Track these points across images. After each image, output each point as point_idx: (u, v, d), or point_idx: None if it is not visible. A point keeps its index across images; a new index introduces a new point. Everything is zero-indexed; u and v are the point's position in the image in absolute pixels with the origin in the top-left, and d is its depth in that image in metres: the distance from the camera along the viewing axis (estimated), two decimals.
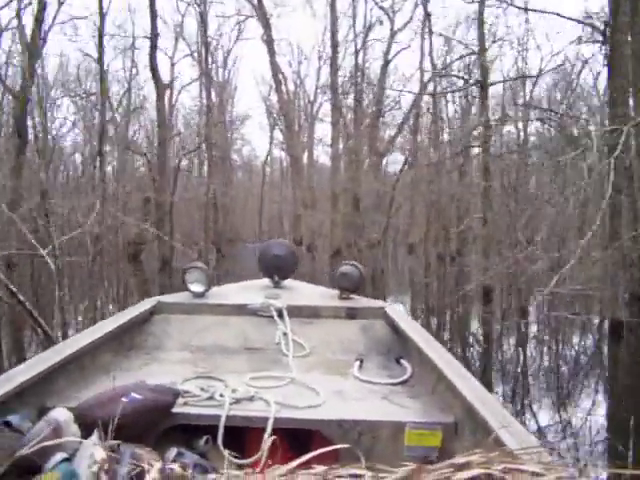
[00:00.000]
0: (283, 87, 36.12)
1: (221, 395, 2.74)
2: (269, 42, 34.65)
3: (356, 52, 34.66)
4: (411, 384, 3.14)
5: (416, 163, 30.75)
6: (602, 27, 18.30)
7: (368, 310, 4.08)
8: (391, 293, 19.73)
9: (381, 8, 36.69)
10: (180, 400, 2.67)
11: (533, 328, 12.91)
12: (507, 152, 27.28)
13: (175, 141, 38.35)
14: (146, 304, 4.09)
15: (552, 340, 11.87)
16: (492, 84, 25.86)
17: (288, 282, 4.72)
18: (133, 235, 27.74)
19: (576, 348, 11.04)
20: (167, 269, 25.57)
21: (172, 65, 40.55)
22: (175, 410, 2.61)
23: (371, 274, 21.60)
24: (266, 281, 4.66)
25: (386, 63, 36.54)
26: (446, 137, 35.41)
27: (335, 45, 31.62)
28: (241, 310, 4.04)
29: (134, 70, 36.48)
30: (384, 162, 38.93)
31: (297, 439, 2.59)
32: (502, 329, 12.69)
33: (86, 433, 2.23)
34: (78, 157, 44.01)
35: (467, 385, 2.62)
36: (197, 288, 4.23)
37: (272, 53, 34.44)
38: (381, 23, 35.10)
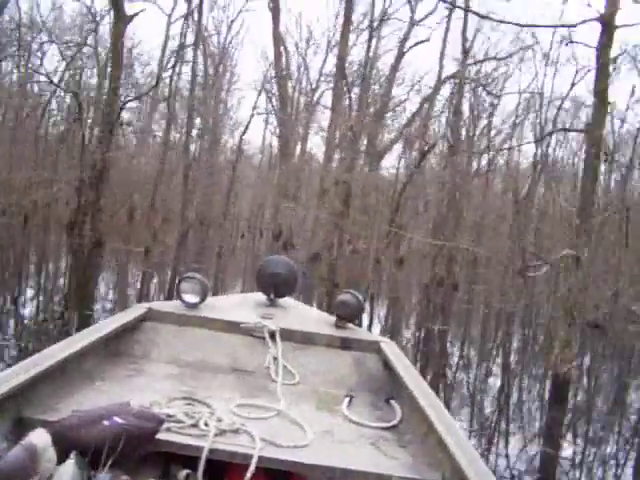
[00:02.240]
0: (283, 62, 30.77)
1: (206, 424, 2.56)
2: (275, 10, 29.38)
3: (370, 35, 29.45)
4: (400, 430, 2.98)
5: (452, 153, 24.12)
6: None
7: (363, 343, 3.89)
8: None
9: None
10: (163, 425, 2.47)
11: None
12: None
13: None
14: (136, 310, 3.86)
15: None
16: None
17: (284, 301, 4.46)
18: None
19: None
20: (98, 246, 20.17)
21: (169, 25, 35.49)
22: (158, 436, 2.41)
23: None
24: (262, 297, 4.40)
25: (400, 55, 31.64)
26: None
27: (348, 19, 26.03)
28: (233, 328, 3.80)
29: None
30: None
31: (278, 479, 2.50)
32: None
33: (64, 454, 2.14)
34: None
35: (457, 441, 2.47)
36: (190, 299, 3.95)
37: (277, 23, 29.28)
38: None
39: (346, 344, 3.85)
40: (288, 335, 3.79)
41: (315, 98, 38.87)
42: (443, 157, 25.59)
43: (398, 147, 34.13)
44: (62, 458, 2.12)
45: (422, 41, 32.57)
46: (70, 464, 2.10)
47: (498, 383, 10.48)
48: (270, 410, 2.94)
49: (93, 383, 3.03)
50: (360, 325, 8.70)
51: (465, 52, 26.29)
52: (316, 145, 40.04)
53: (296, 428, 2.78)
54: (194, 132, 39.72)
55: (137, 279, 17.33)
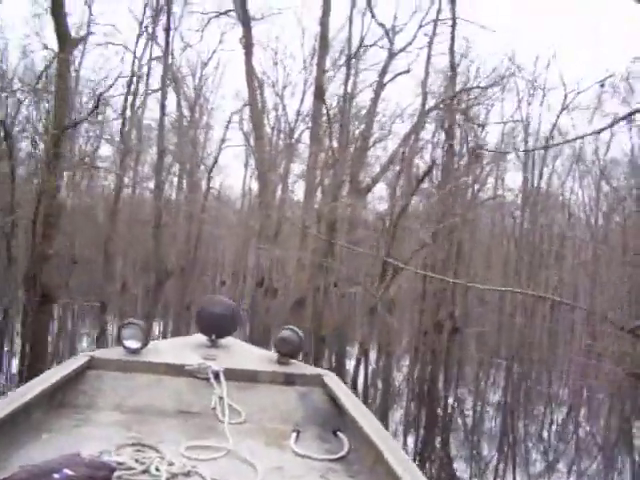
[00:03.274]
0: (258, 97, 28.51)
1: (157, 469, 2.51)
2: (247, 45, 27.15)
3: (348, 66, 27.26)
4: (349, 461, 2.98)
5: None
6: None
7: (306, 377, 3.85)
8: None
9: (380, 25, 29.79)
10: (115, 473, 2.41)
11: None
12: None
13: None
14: (79, 360, 3.71)
15: None
16: None
17: (225, 341, 4.35)
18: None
19: None
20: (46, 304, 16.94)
21: (139, 66, 33.26)
22: None
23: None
24: (203, 338, 4.27)
25: (380, 86, 29.52)
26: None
27: (324, 42, 23.82)
28: (177, 370, 3.71)
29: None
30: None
31: None
32: None
33: None
34: None
35: (406, 470, 2.45)
36: (132, 344, 3.80)
37: (249, 56, 26.90)
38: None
39: (290, 379, 3.80)
40: (232, 374, 3.66)
41: (294, 139, 36.89)
42: (435, 187, 22.83)
43: (381, 186, 31.89)
44: None
45: (402, 72, 30.68)
46: None
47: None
48: (219, 450, 2.86)
49: (40, 436, 2.88)
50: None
51: (453, 69, 23.92)
52: (296, 183, 37.10)
53: (246, 467, 2.74)
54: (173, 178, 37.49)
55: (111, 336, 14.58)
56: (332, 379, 3.79)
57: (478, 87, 29.76)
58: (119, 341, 3.80)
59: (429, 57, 27.61)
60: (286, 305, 23.17)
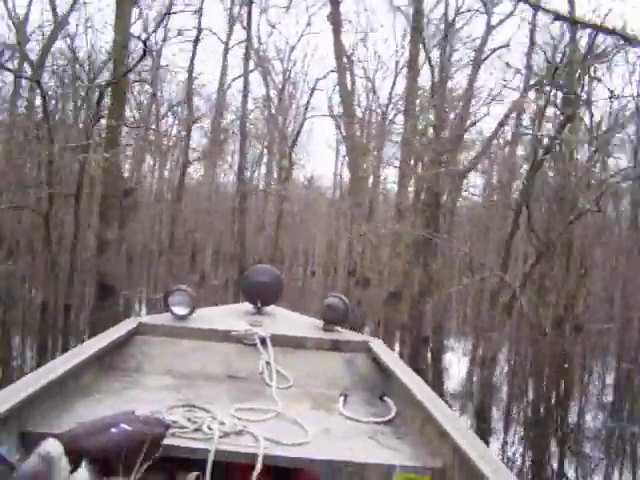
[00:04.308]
0: (348, 76, 26.44)
1: (209, 427, 2.53)
2: (335, 21, 25.09)
3: (445, 40, 24.59)
4: (397, 423, 2.96)
5: None
6: None
7: (352, 344, 3.85)
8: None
9: None
10: (169, 430, 2.40)
11: None
12: None
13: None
14: (127, 325, 3.76)
15: None
16: None
17: (270, 309, 4.38)
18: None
19: None
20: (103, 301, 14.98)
21: (226, 51, 31.97)
22: (163, 441, 2.31)
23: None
24: (248, 306, 4.32)
25: (477, 63, 26.66)
26: None
27: (419, 9, 21.36)
28: (224, 336, 3.75)
29: None
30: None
31: (284, 476, 2.54)
32: None
33: (73, 464, 2.06)
34: None
35: (455, 427, 2.40)
36: (180, 311, 3.88)
37: (337, 32, 24.86)
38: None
39: (336, 346, 3.78)
40: (278, 340, 3.69)
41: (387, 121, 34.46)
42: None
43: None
44: (72, 468, 2.04)
45: (501, 47, 27.71)
46: (83, 472, 2.04)
47: None
48: (269, 412, 2.88)
49: (91, 396, 2.95)
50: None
51: (575, 22, 20.55)
52: (390, 163, 34.03)
53: (296, 427, 2.72)
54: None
55: None
56: (378, 345, 3.74)
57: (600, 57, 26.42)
58: (167, 307, 3.77)
59: (534, 26, 24.68)
60: (381, 296, 20.92)
